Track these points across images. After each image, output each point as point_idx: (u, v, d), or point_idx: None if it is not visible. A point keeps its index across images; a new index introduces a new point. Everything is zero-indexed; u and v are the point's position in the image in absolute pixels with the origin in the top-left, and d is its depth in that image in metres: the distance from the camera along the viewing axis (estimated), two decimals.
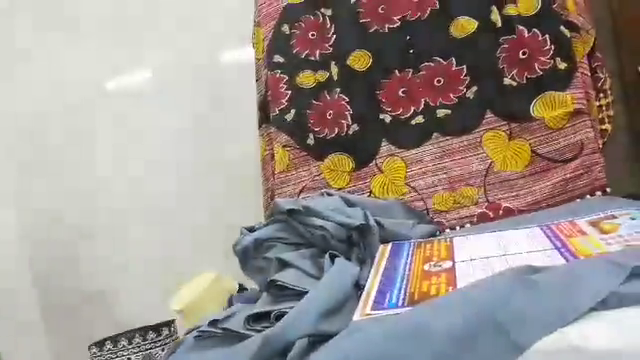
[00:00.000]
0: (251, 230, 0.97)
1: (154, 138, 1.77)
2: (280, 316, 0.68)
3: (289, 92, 1.20)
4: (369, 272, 0.76)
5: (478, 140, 1.08)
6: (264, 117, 1.28)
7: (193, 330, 0.80)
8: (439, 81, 1.11)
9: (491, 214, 1.04)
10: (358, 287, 0.72)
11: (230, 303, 0.94)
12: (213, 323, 0.75)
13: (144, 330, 1.37)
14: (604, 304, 0.52)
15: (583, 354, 0.50)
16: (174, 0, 1.77)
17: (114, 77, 1.84)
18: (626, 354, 0.49)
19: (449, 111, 1.10)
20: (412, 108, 1.12)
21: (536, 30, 1.04)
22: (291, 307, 0.68)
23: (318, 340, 0.62)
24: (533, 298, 0.55)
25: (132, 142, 1.79)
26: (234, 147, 1.68)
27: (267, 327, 0.69)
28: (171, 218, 1.74)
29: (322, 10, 1.19)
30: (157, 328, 1.38)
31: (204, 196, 1.72)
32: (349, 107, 1.15)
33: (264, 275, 0.87)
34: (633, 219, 0.74)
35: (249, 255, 0.93)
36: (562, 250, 0.69)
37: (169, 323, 1.40)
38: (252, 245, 0.93)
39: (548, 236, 0.76)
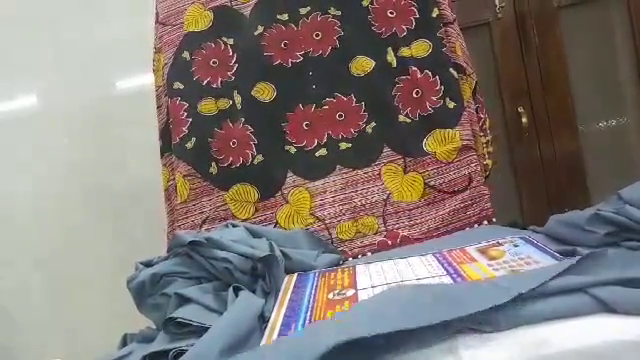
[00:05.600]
0: (148, 265, 0.91)
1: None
2: (179, 354, 0.64)
3: (190, 119, 1.17)
4: (274, 304, 0.75)
5: (377, 172, 1.13)
6: (166, 146, 1.22)
7: None
8: (340, 116, 1.15)
9: (390, 242, 1.09)
10: (263, 320, 0.71)
11: (124, 342, 0.88)
12: None
13: None
14: (490, 325, 0.56)
15: None
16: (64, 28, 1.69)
17: None
18: None
19: (350, 145, 1.14)
20: (316, 141, 1.15)
21: (428, 71, 1.13)
22: (191, 344, 0.64)
23: None
24: (425, 312, 0.57)
25: None
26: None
27: None
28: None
29: (224, 38, 1.19)
30: None
31: None
32: (254, 137, 1.15)
33: (162, 312, 0.82)
34: (516, 246, 0.81)
35: (145, 291, 0.87)
36: (454, 276, 0.73)
37: None
38: (149, 280, 0.87)
39: (441, 262, 0.80)
